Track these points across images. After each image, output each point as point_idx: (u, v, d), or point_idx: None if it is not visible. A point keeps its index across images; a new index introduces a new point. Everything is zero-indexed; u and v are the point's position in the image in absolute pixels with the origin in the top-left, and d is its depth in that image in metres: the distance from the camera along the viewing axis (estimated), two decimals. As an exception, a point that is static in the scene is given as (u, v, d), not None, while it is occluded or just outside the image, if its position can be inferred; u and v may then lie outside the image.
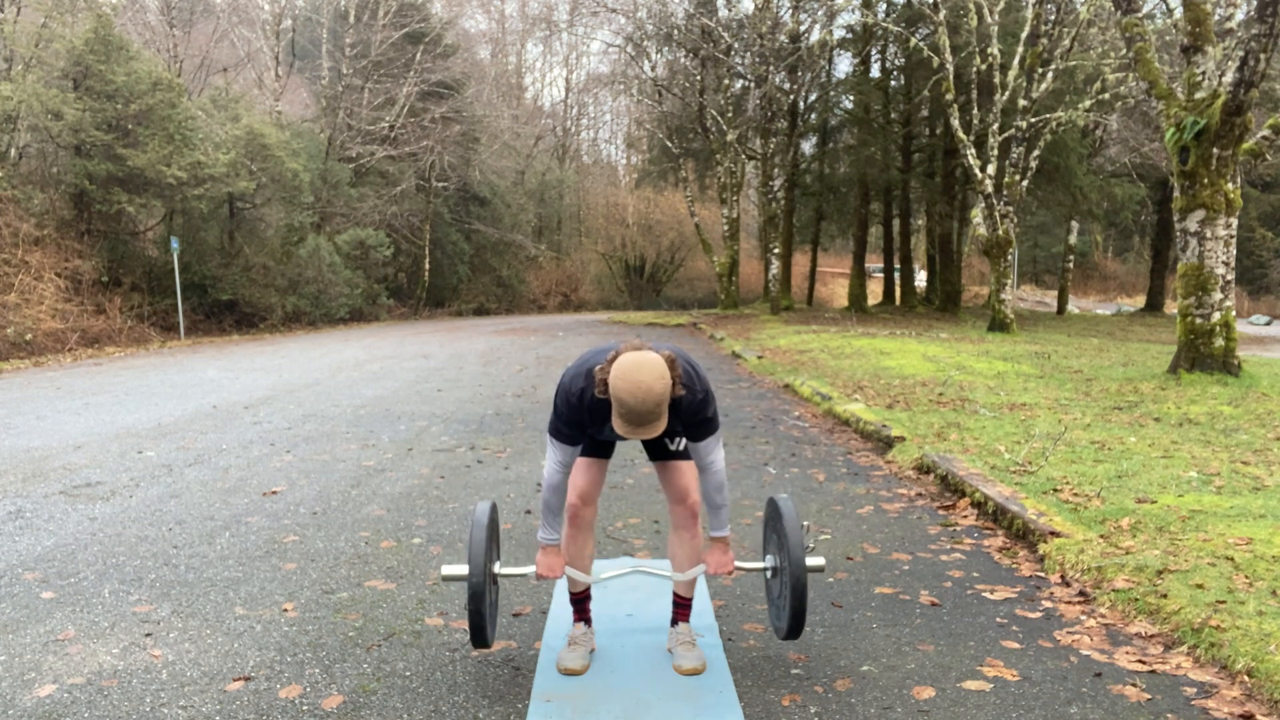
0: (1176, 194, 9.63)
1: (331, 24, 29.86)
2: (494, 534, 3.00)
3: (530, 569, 3.01)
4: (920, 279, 36.16)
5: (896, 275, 32.05)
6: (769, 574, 3.17)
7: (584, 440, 2.90)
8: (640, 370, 2.51)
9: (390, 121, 28.60)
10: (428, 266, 31.45)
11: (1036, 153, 18.95)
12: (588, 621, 3.11)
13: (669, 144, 29.35)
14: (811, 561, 2.95)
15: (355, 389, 10.23)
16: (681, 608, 3.09)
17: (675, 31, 27.14)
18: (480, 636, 2.86)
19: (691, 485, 2.98)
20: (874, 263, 41.21)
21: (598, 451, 3.01)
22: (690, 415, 2.76)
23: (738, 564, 3.05)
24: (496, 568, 3.01)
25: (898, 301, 31.27)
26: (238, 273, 21.17)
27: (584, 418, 2.77)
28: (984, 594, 3.69)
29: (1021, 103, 17.82)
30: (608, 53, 38.43)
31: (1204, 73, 9.35)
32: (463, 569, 2.90)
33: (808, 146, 31.22)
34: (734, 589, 3.76)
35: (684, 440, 2.95)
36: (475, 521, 2.91)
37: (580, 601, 3.10)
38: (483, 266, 35.06)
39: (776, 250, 25.71)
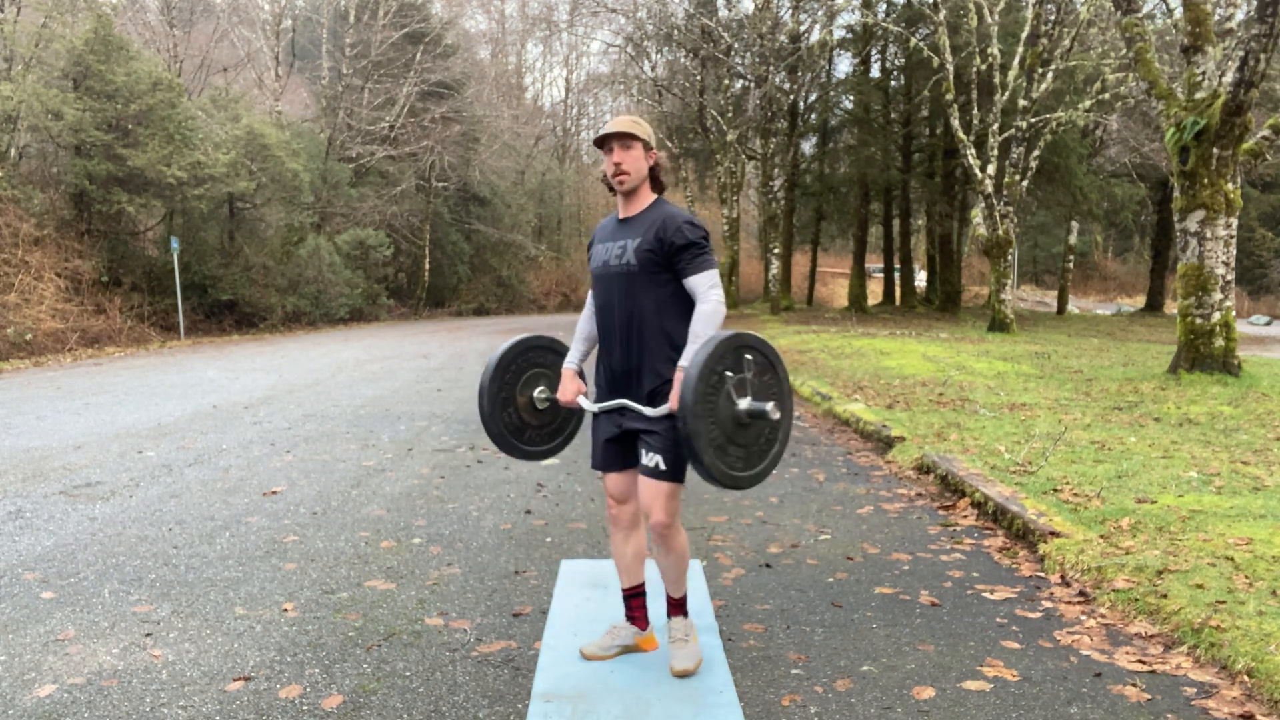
0: (1176, 194, 9.63)
1: (331, 24, 29.87)
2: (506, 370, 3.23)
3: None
4: (920, 279, 36.18)
5: (896, 275, 32.07)
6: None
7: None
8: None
9: (390, 121, 28.60)
10: (428, 266, 31.45)
11: (1036, 153, 18.95)
12: (635, 622, 3.13)
13: (669, 144, 29.35)
14: (751, 406, 2.69)
15: (355, 389, 10.22)
16: (673, 605, 3.07)
17: (675, 31, 27.15)
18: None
19: (653, 506, 2.88)
20: (874, 263, 41.23)
21: (624, 463, 3.01)
22: (681, 237, 2.82)
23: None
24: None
25: (898, 301, 31.28)
26: (238, 273, 21.17)
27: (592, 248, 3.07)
28: (984, 594, 3.69)
29: (1021, 103, 17.82)
30: (608, 53, 38.43)
31: (1204, 73, 9.35)
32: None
33: (808, 146, 31.25)
34: (734, 589, 3.76)
35: (657, 457, 2.84)
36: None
37: (632, 597, 3.12)
38: (483, 266, 35.07)
39: (776, 250, 25.72)
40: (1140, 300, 37.58)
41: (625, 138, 2.84)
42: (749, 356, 2.70)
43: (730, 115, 25.95)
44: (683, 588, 3.05)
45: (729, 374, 2.64)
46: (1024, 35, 17.70)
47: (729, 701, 2.75)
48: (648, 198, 2.93)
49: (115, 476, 5.84)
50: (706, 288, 2.79)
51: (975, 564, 4.07)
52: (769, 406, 2.68)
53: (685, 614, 3.07)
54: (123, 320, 17.55)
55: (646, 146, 2.89)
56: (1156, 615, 3.31)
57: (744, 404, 2.67)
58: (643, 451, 2.88)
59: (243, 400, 9.32)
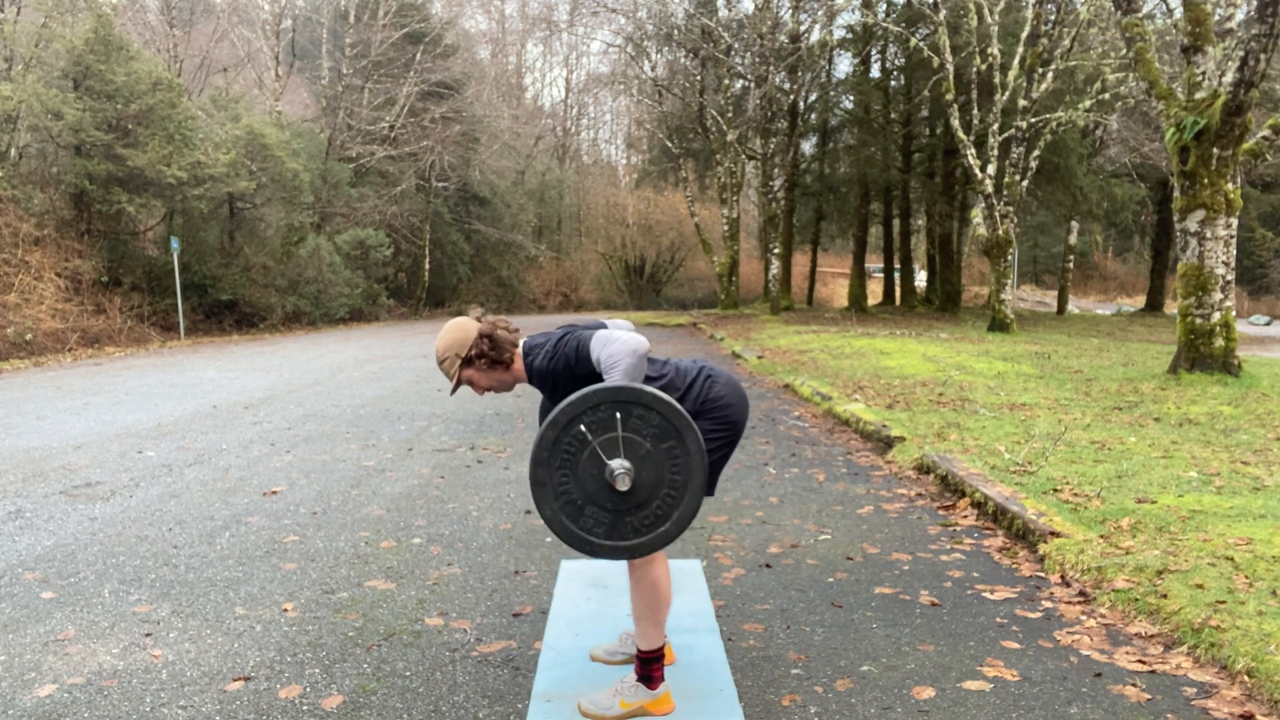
0: (1176, 194, 9.63)
1: (331, 24, 29.86)
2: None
3: None
4: (920, 279, 36.18)
5: (896, 275, 32.06)
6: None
7: None
8: (444, 328, 2.80)
9: (390, 121, 28.59)
10: (428, 266, 31.44)
11: (1036, 153, 18.95)
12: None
13: (669, 144, 29.35)
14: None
15: (355, 389, 10.22)
16: (636, 661, 2.73)
17: (675, 31, 27.14)
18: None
19: None
20: (874, 263, 41.24)
21: None
22: (550, 377, 2.66)
23: None
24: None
25: (898, 301, 31.27)
26: (238, 273, 21.17)
27: None
28: (984, 594, 3.69)
29: (1021, 103, 17.82)
30: (608, 53, 38.45)
31: (1204, 73, 9.35)
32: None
33: (808, 146, 31.24)
34: (734, 589, 3.76)
35: None
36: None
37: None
38: (483, 266, 35.08)
39: (776, 250, 25.71)
40: (1140, 300, 37.57)
41: (456, 385, 2.78)
42: (639, 414, 2.40)
43: (730, 115, 25.95)
44: (650, 639, 2.67)
45: (592, 431, 2.41)
46: (1024, 35, 17.70)
47: (729, 701, 2.75)
48: (519, 374, 2.76)
49: (115, 476, 5.84)
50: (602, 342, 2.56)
51: (975, 564, 4.07)
52: (618, 472, 2.41)
53: (643, 678, 2.68)
54: (123, 320, 17.54)
55: (466, 362, 2.72)
56: (1156, 615, 3.31)
57: (615, 464, 2.43)
58: None
59: (243, 400, 9.32)
